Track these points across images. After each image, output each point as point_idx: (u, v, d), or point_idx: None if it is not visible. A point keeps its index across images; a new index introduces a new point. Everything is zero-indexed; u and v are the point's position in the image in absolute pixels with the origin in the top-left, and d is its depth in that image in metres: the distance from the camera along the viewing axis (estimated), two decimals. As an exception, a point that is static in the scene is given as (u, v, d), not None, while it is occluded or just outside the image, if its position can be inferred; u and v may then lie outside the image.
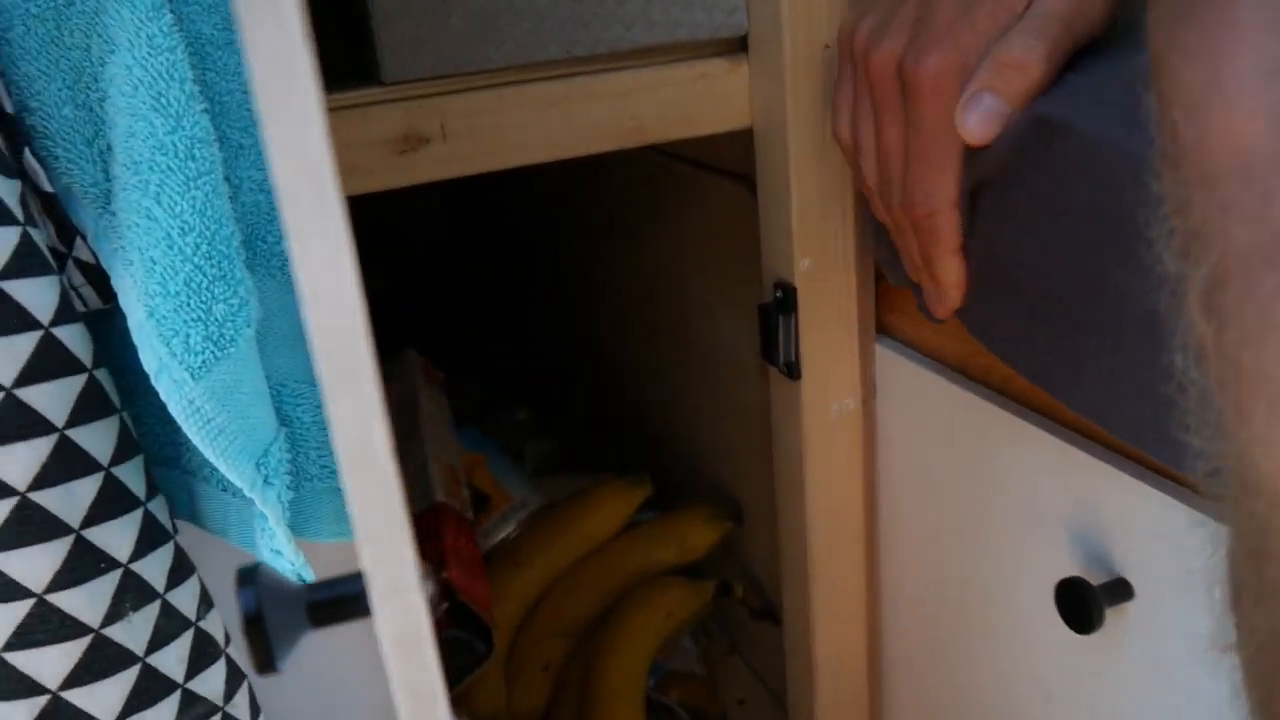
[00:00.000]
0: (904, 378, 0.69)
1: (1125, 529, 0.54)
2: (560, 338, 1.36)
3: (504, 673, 0.90)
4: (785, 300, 0.68)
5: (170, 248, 0.41)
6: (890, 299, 0.70)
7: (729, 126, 0.68)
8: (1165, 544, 0.51)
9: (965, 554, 0.67)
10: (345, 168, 0.61)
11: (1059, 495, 0.57)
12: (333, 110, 0.59)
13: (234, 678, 0.51)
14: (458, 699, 0.87)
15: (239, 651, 0.52)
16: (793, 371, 0.70)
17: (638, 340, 1.09)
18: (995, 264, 0.52)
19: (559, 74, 0.63)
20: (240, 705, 0.51)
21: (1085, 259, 0.46)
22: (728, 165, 0.82)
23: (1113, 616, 0.55)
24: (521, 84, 0.62)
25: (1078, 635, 0.56)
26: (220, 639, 0.50)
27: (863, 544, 0.75)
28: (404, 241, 1.63)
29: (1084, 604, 0.54)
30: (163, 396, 0.42)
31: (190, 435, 0.42)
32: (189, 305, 0.42)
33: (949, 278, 0.53)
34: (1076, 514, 0.57)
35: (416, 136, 0.62)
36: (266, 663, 0.29)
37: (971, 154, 0.49)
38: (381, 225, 1.63)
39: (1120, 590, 0.54)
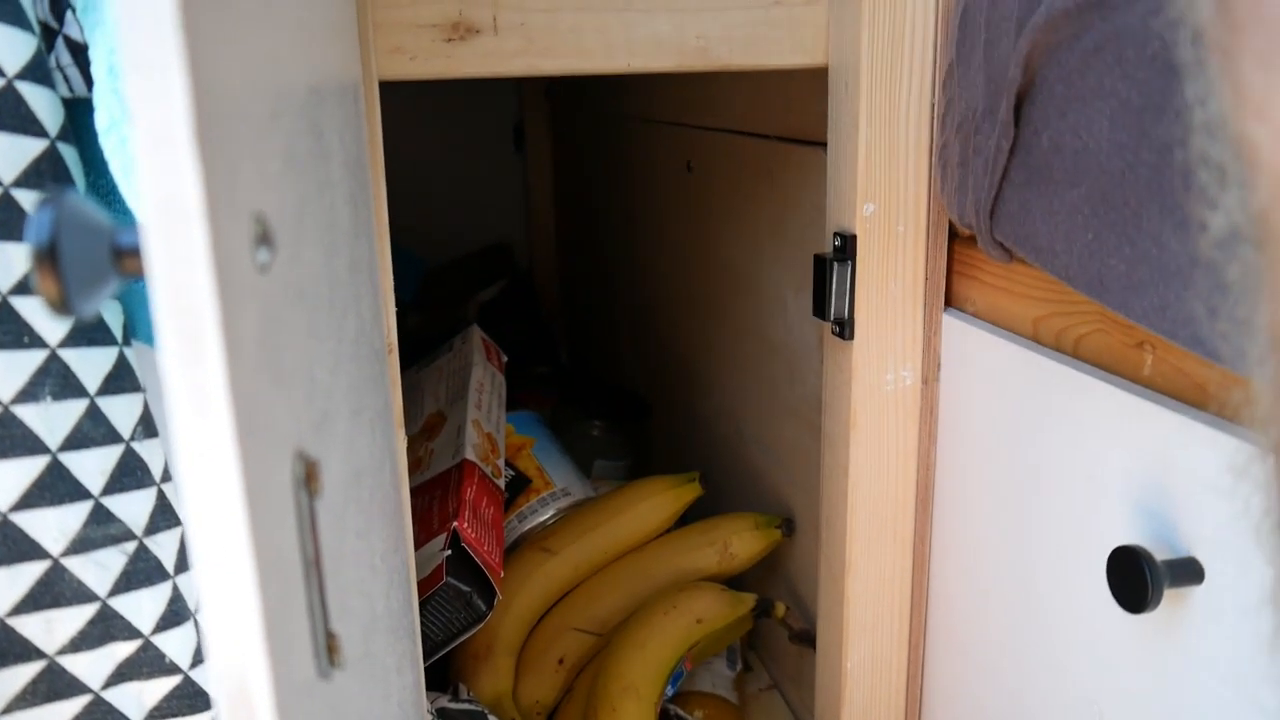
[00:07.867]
0: (972, 352, 0.62)
1: (1203, 502, 0.45)
2: (639, 353, 1.31)
3: (515, 661, 0.84)
4: (843, 248, 0.62)
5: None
6: (963, 263, 0.63)
7: (801, 62, 0.63)
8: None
9: (1027, 546, 0.58)
10: (390, 49, 0.60)
11: (1133, 464, 0.49)
12: (384, -11, 0.58)
13: (165, 516, 0.46)
14: (459, 678, 0.81)
15: (176, 495, 0.48)
16: (844, 330, 0.63)
17: (711, 344, 1.04)
18: (1054, 156, 0.46)
19: (624, -23, 0.60)
20: (165, 546, 0.46)
21: (1149, 138, 0.40)
22: (812, 135, 0.77)
23: (1174, 600, 0.46)
24: (583, -15, 0.59)
25: (1131, 616, 0.47)
26: (156, 471, 0.46)
27: (910, 539, 0.67)
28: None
29: (1138, 575, 0.45)
30: (107, 156, 0.39)
31: (127, 199, 0.39)
32: (148, 60, 0.39)
33: None
34: (1148, 486, 0.48)
35: (467, 25, 0.60)
36: (60, 301, 0.25)
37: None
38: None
39: (1187, 571, 0.45)
